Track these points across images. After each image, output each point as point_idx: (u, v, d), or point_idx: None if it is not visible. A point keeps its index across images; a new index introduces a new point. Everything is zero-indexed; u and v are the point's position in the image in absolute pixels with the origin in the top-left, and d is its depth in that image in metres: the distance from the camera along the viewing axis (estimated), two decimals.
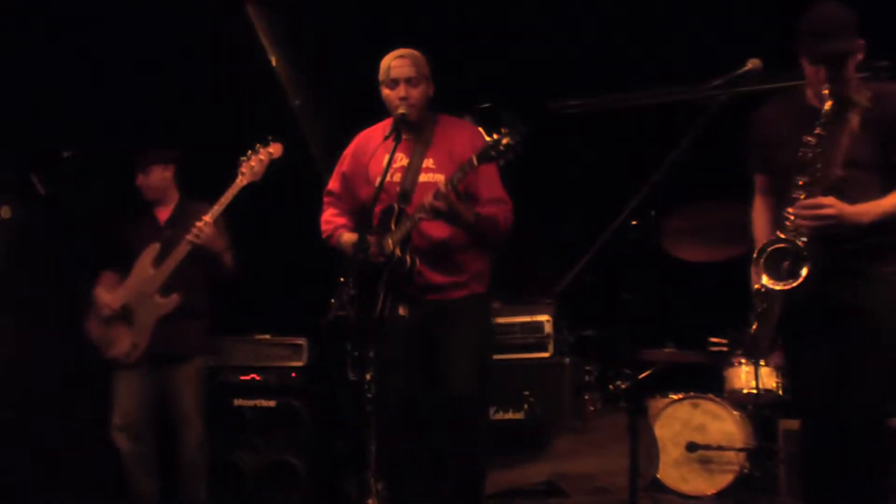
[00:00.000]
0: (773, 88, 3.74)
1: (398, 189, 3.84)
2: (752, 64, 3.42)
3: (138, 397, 4.78)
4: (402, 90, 3.84)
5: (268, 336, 5.81)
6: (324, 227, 4.12)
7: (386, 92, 3.89)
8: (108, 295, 4.84)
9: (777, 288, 3.25)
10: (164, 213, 5.00)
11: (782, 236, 3.28)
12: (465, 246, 3.83)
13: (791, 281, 3.23)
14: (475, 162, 3.51)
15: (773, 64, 3.51)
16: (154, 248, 4.83)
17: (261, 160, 4.68)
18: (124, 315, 4.79)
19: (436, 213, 3.63)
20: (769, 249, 3.30)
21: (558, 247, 6.04)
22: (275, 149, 4.72)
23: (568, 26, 5.67)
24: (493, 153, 3.44)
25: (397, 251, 3.71)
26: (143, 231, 4.92)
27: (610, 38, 5.69)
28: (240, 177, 4.68)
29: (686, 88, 5.21)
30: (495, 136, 3.43)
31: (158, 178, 4.95)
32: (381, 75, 3.91)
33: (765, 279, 3.28)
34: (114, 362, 4.80)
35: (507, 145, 3.42)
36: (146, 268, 4.81)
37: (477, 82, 5.63)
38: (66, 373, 5.35)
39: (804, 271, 3.20)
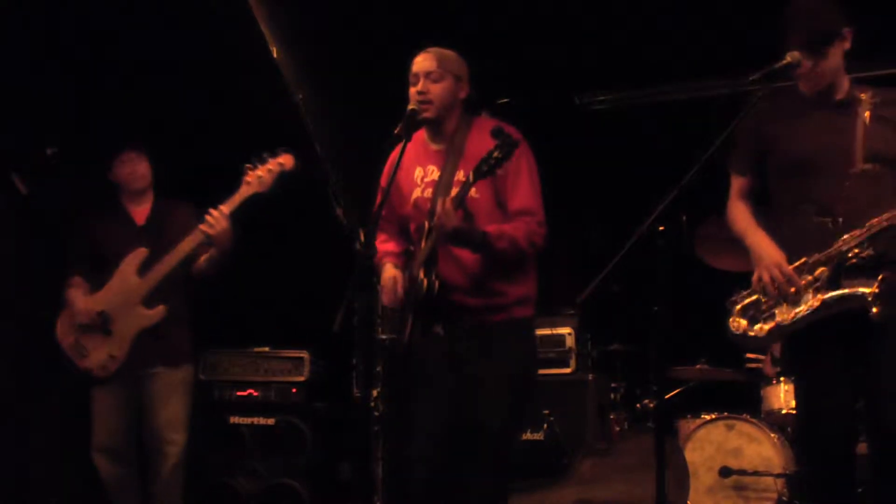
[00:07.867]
0: None
1: (429, 206, 3.68)
2: (792, 57, 3.33)
3: (120, 415, 4.61)
4: (420, 85, 3.68)
5: (267, 348, 5.70)
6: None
7: (410, 90, 3.72)
8: (86, 300, 4.64)
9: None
10: (139, 213, 4.80)
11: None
12: (499, 269, 3.66)
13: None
14: (471, 179, 3.48)
15: None
16: (139, 254, 4.62)
17: (270, 170, 4.48)
18: (102, 324, 4.59)
19: (439, 234, 3.51)
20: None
21: (582, 252, 5.98)
22: (285, 160, 4.52)
23: (593, 16, 5.51)
24: (484, 168, 3.45)
25: (421, 274, 3.60)
26: (120, 231, 4.73)
27: (641, 29, 5.52)
28: (244, 186, 4.49)
29: (721, 82, 5.34)
30: (489, 149, 3.45)
31: (137, 169, 4.75)
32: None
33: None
34: (86, 374, 4.61)
35: (497, 158, 3.44)
36: (130, 275, 4.61)
37: (497, 76, 5.45)
38: (33, 380, 5.19)
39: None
